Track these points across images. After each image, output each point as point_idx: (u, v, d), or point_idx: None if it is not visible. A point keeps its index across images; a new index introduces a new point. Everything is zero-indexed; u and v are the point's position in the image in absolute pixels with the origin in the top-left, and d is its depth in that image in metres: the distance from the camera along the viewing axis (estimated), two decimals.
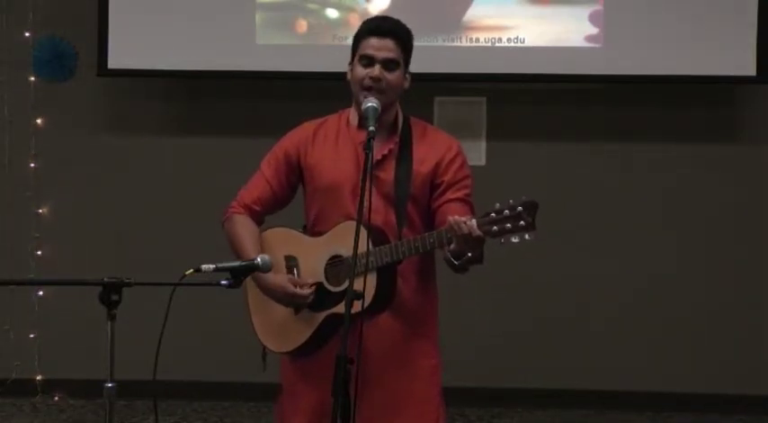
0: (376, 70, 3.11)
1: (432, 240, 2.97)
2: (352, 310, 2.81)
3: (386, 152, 3.17)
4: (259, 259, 2.80)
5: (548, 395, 5.78)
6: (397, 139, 3.19)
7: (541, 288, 5.78)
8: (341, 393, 2.74)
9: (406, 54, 3.19)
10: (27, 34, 5.80)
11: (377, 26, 3.20)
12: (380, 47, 3.14)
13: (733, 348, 5.76)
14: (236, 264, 2.77)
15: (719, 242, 5.78)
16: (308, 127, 3.31)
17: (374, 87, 3.11)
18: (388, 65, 3.13)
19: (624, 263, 5.78)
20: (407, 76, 3.21)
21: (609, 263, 5.78)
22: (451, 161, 3.18)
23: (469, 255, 2.93)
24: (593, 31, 5.53)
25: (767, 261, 5.78)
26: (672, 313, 5.77)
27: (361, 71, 3.14)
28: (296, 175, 3.28)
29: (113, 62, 5.65)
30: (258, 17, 5.64)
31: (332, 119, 3.30)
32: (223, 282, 2.72)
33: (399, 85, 3.17)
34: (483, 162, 5.74)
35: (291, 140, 3.30)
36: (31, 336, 5.83)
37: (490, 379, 5.77)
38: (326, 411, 2.82)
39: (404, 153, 3.17)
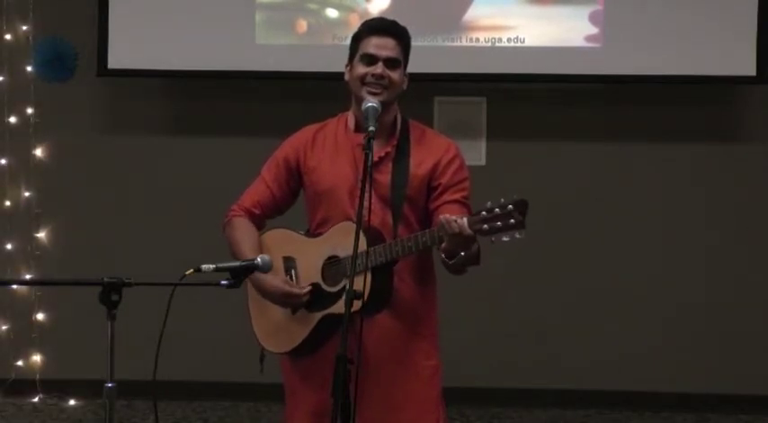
0: (379, 68, 3.12)
1: (424, 239, 2.98)
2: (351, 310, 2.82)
3: (383, 154, 3.17)
4: (259, 259, 2.80)
5: (548, 395, 5.78)
6: (396, 142, 3.20)
7: (542, 288, 5.78)
8: (340, 394, 2.74)
9: (406, 54, 3.20)
10: (27, 34, 5.80)
11: (378, 25, 3.21)
12: (383, 45, 3.14)
13: (733, 348, 5.76)
14: (236, 264, 2.77)
15: (719, 242, 5.78)
16: (307, 131, 3.32)
17: (377, 84, 3.11)
18: (391, 63, 3.14)
19: (623, 263, 5.78)
20: (405, 76, 3.21)
21: (608, 263, 5.78)
22: (449, 163, 3.19)
23: (462, 254, 2.93)
24: (593, 31, 5.53)
25: (766, 261, 5.78)
26: (671, 313, 5.77)
27: (362, 69, 3.14)
28: (296, 179, 3.29)
29: (113, 62, 5.65)
30: (258, 17, 5.64)
31: (331, 123, 3.31)
32: (223, 282, 2.72)
33: (401, 84, 3.18)
34: (483, 162, 5.74)
35: (291, 145, 3.31)
36: (32, 336, 5.83)
37: (490, 379, 5.77)
38: (327, 411, 2.83)
39: (401, 155, 3.18)
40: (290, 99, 5.64)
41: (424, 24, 5.42)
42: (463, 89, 5.78)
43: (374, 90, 3.11)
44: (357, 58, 3.17)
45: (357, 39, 3.20)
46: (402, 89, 3.20)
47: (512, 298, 5.78)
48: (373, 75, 3.12)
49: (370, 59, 3.14)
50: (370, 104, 3.06)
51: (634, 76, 5.55)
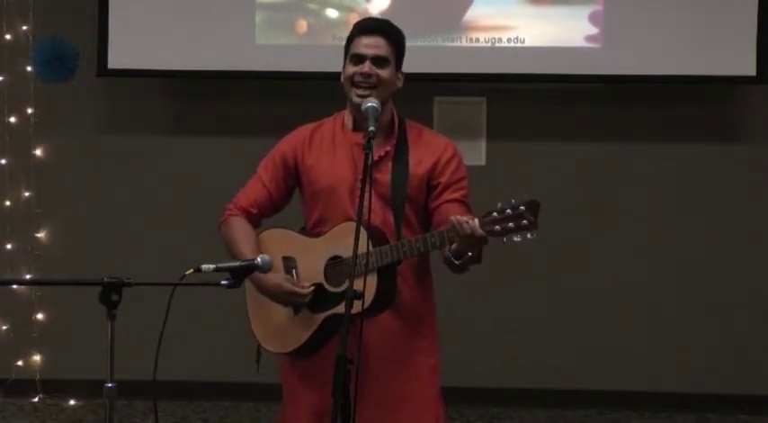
0: (366, 66, 3.13)
1: (434, 240, 2.97)
2: (352, 311, 2.81)
3: (382, 154, 3.17)
4: (259, 259, 2.80)
5: (548, 395, 5.78)
6: (394, 141, 3.20)
7: (542, 287, 5.78)
8: (341, 394, 2.74)
9: (397, 52, 3.20)
10: (27, 34, 5.80)
11: (366, 25, 3.23)
12: (370, 44, 3.16)
13: (733, 348, 5.76)
14: (237, 264, 2.77)
15: (719, 242, 5.78)
16: (304, 130, 3.32)
17: (364, 83, 3.12)
18: (379, 61, 3.15)
19: (623, 263, 5.78)
20: (400, 75, 3.21)
21: (608, 262, 5.78)
22: (448, 162, 3.19)
23: (469, 254, 2.93)
24: (593, 31, 5.53)
25: (766, 261, 5.78)
26: (671, 313, 5.77)
27: (351, 69, 3.16)
28: (292, 178, 3.29)
29: (113, 62, 5.65)
30: (258, 17, 5.64)
31: (328, 122, 3.31)
32: (223, 282, 2.72)
33: (391, 83, 3.18)
34: (483, 162, 5.74)
35: (288, 144, 3.31)
36: (32, 336, 5.83)
37: (490, 379, 5.77)
38: (327, 412, 2.83)
39: (400, 155, 3.18)
40: (290, 99, 5.64)
41: (424, 24, 5.43)
42: (463, 89, 5.78)
43: (362, 92, 3.12)
44: (348, 58, 3.18)
45: (349, 40, 3.22)
46: (395, 87, 3.20)
47: (512, 298, 5.78)
48: (361, 73, 3.13)
49: (359, 59, 3.15)
50: (370, 104, 3.07)
51: (634, 76, 5.55)
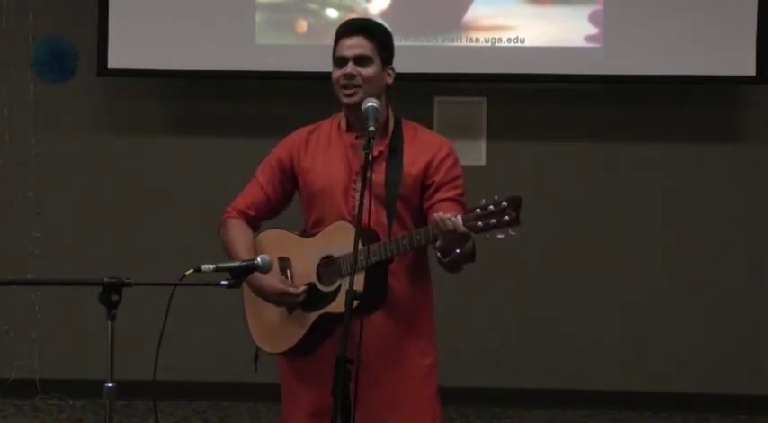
0: (348, 68, 3.15)
1: (418, 237, 2.98)
2: (341, 310, 2.82)
3: (376, 153, 3.16)
4: (259, 259, 2.80)
5: (548, 395, 5.78)
6: (388, 141, 3.20)
7: (541, 288, 5.78)
8: (341, 393, 2.73)
9: (382, 49, 3.19)
10: (27, 34, 5.80)
11: (346, 26, 3.26)
12: (351, 45, 3.17)
13: (733, 348, 5.76)
14: (237, 263, 2.77)
15: (719, 242, 5.78)
16: (301, 132, 3.33)
17: (349, 84, 3.12)
18: (361, 61, 3.15)
19: (624, 262, 5.78)
20: (390, 71, 3.21)
21: (608, 263, 5.78)
22: (442, 161, 3.19)
23: (457, 252, 2.93)
24: (593, 31, 5.53)
25: (766, 261, 5.78)
26: (671, 313, 5.77)
27: (336, 72, 3.18)
28: (290, 181, 3.30)
29: (113, 62, 5.65)
30: (258, 17, 5.64)
31: (325, 123, 3.32)
32: (223, 282, 2.72)
33: (377, 80, 3.17)
34: (483, 162, 5.73)
35: (285, 147, 3.32)
36: (32, 336, 5.83)
37: (490, 379, 5.77)
38: (325, 411, 2.83)
39: (394, 154, 3.18)
40: (290, 99, 5.64)
41: (424, 24, 5.41)
42: (463, 89, 5.78)
43: (348, 91, 3.14)
44: (333, 62, 3.20)
45: (334, 44, 3.23)
46: (384, 84, 3.19)
47: (512, 298, 5.77)
48: (344, 75, 3.14)
49: (342, 61, 3.17)
50: (370, 105, 3.07)
51: (634, 76, 5.55)
